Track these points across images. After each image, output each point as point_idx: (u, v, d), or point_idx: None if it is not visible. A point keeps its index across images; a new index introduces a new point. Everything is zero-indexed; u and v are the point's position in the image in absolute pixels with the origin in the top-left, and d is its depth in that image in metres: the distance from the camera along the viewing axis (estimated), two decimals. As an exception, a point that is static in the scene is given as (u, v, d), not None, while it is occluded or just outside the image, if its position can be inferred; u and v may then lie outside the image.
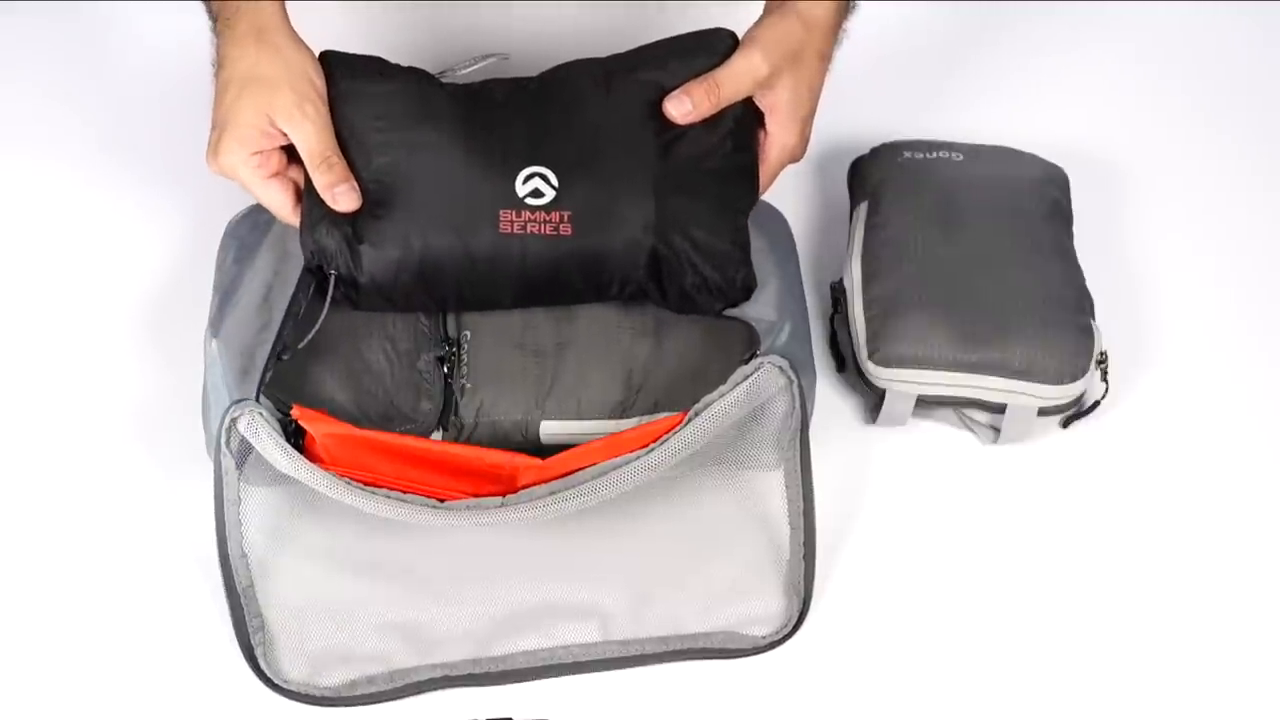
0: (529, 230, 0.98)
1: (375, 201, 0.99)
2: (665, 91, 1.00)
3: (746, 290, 1.03)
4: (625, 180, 1.00)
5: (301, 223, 0.99)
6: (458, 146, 0.99)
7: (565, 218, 0.99)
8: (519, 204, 0.99)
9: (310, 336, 0.99)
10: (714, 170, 1.01)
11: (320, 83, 0.99)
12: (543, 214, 0.99)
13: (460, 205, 0.99)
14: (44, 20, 1.32)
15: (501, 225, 0.98)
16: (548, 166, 0.99)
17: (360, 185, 0.98)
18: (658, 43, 1.04)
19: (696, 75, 1.00)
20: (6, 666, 0.97)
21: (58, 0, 1.32)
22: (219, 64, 0.99)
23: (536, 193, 0.99)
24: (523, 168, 0.99)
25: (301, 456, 0.92)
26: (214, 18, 1.01)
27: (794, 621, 0.99)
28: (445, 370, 1.04)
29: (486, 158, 0.99)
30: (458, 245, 0.99)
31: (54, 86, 1.28)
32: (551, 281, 1.00)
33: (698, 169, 1.01)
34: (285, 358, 0.98)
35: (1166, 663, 0.99)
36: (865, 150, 1.18)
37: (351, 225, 0.98)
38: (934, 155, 1.15)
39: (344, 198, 0.98)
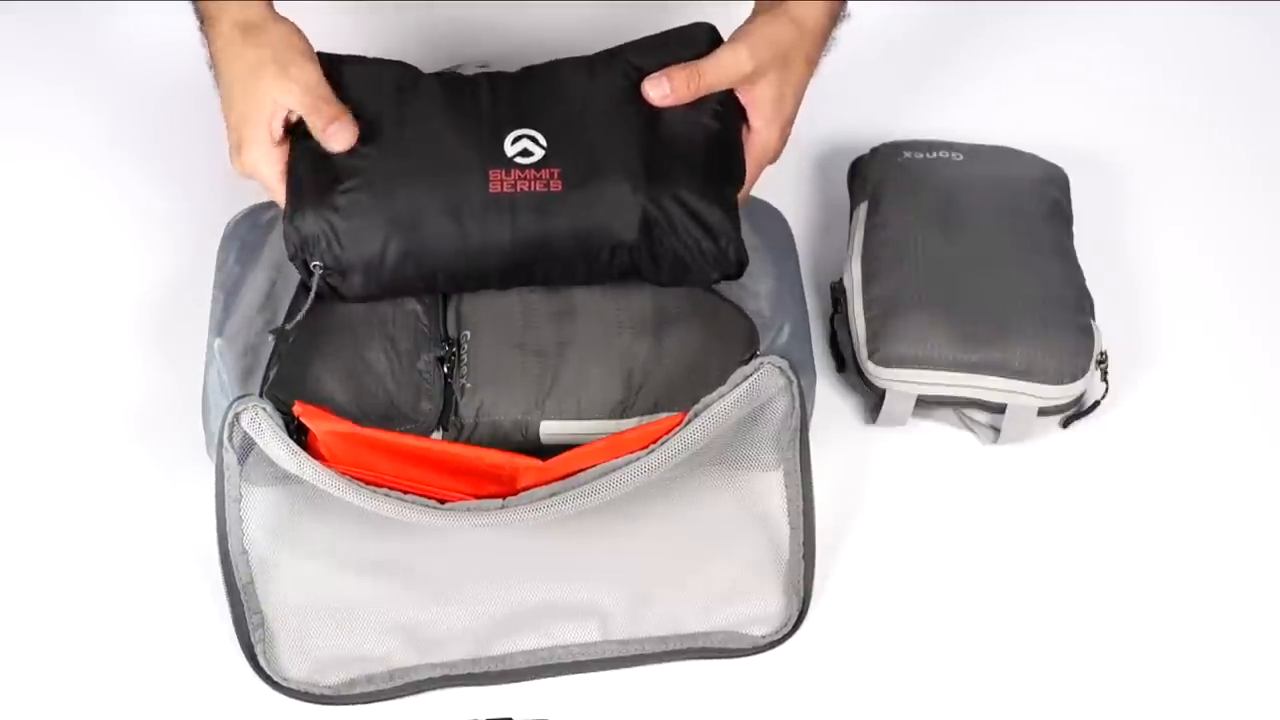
0: (519, 188, 0.98)
1: (362, 176, 0.98)
2: (650, 66, 1.01)
3: (740, 264, 1.02)
4: (614, 145, 0.99)
5: (284, 215, 0.99)
6: (445, 116, 1.00)
7: (555, 174, 0.98)
8: (508, 163, 0.98)
9: (298, 319, 0.98)
10: (702, 141, 1.01)
11: (302, 42, 1.00)
12: (532, 171, 0.98)
13: (449, 169, 0.98)
14: (44, 20, 1.32)
15: (491, 185, 0.98)
16: (536, 129, 0.99)
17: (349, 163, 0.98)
18: (639, 40, 1.05)
19: (687, 50, 1.01)
20: (7, 662, 0.97)
21: (58, 0, 1.32)
22: (214, 66, 1.00)
23: (525, 152, 0.99)
24: (511, 130, 0.99)
25: (304, 452, 0.92)
26: (200, 19, 1.01)
27: (793, 621, 0.99)
28: (445, 370, 1.04)
29: (475, 123, 1.00)
30: (447, 209, 0.98)
31: (55, 86, 1.28)
32: (542, 247, 0.99)
33: (686, 139, 1.00)
34: (273, 338, 0.99)
35: (1166, 662, 0.99)
36: (865, 150, 1.18)
37: (335, 207, 0.98)
38: (934, 155, 1.15)
39: (337, 135, 0.98)
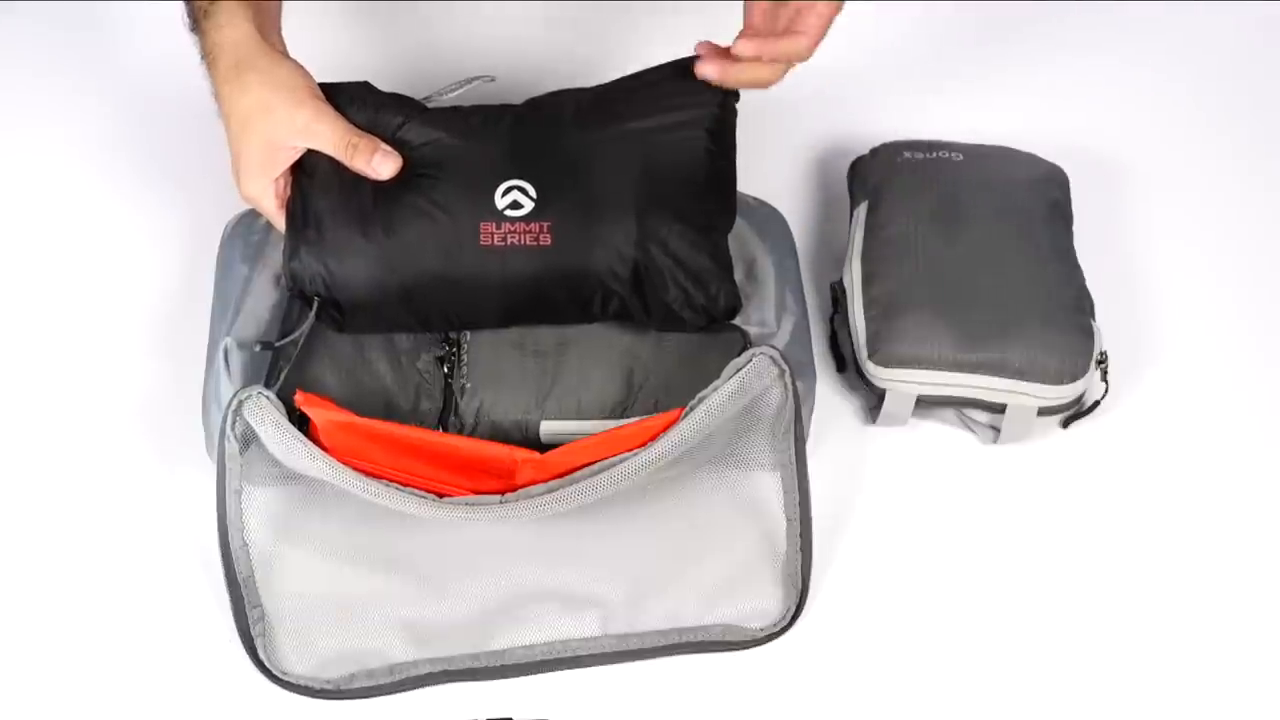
0: (509, 242, 0.98)
1: (358, 221, 0.99)
2: (642, 114, 1.01)
3: (730, 310, 1.02)
4: (604, 197, 1.00)
5: (284, 253, 0.99)
6: (439, 161, 1.00)
7: (544, 228, 0.99)
8: (499, 216, 0.99)
9: (294, 337, 1.00)
10: (692, 191, 1.01)
11: (309, 82, 0.99)
12: (522, 225, 0.99)
13: (441, 220, 0.99)
14: (45, 23, 1.32)
15: (482, 238, 0.99)
16: (526, 180, 0.99)
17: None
18: (641, 74, 1.04)
19: (680, 97, 1.01)
20: (9, 655, 0.97)
21: (58, 1, 1.33)
22: (217, 100, 1.00)
23: (515, 204, 0.99)
24: (502, 181, 0.99)
25: (305, 439, 0.92)
26: (203, 56, 1.01)
27: (791, 614, 0.99)
28: (445, 370, 1.04)
29: (468, 172, 1.00)
30: (439, 259, 0.99)
31: (56, 86, 1.29)
32: (534, 295, 1.00)
33: (675, 186, 1.01)
34: (264, 350, 1.00)
35: (1165, 661, 0.99)
36: (865, 150, 1.18)
37: (331, 250, 0.98)
38: (934, 155, 1.15)
39: (382, 165, 0.98)
